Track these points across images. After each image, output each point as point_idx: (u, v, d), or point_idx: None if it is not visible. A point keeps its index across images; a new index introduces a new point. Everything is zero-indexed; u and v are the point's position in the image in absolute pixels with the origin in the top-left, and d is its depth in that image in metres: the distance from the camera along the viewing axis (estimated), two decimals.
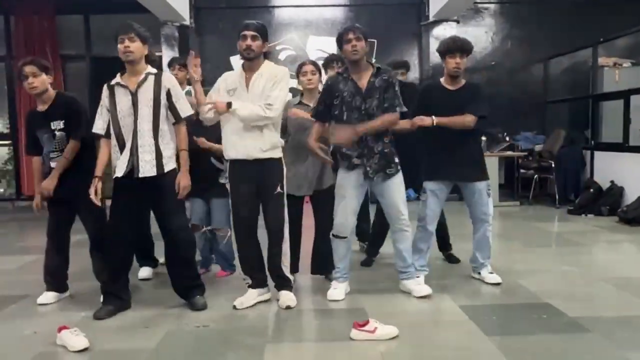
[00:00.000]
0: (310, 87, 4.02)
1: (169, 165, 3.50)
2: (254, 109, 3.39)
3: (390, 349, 2.92)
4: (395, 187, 3.70)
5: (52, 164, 3.65)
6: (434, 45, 8.88)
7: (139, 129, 3.41)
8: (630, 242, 5.54)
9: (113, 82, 3.50)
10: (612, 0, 7.43)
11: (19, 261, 5.05)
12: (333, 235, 3.80)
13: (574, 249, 5.22)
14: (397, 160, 3.68)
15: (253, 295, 3.64)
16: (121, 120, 3.43)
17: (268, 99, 3.42)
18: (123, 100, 3.43)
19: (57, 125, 3.64)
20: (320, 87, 4.04)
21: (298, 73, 4.06)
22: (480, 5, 9.12)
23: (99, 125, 3.53)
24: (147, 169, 3.40)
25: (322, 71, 4.21)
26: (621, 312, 3.42)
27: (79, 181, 3.53)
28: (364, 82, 3.64)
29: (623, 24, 8.02)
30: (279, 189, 3.56)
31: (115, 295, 3.53)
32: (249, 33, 3.46)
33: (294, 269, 4.00)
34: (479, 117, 3.87)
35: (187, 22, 8.73)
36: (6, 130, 9.40)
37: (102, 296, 3.56)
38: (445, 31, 8.78)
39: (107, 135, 3.50)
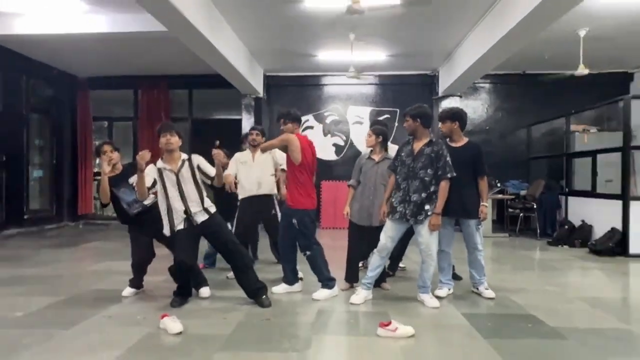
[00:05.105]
0: (368, 146, 4.12)
1: (212, 209, 3.61)
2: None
3: (407, 345, 2.83)
4: (425, 230, 3.54)
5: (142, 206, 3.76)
6: None
7: (187, 196, 3.49)
8: (599, 270, 5.23)
9: (159, 165, 3.52)
10: (581, 81, 7.26)
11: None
12: (375, 250, 3.75)
13: (554, 273, 4.97)
14: (427, 208, 3.51)
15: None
16: (169, 191, 3.49)
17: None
18: (169, 178, 3.49)
19: (134, 179, 3.69)
20: (379, 148, 4.08)
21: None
22: (477, 85, 9.06)
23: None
24: (199, 217, 3.53)
25: (383, 137, 4.11)
26: (593, 325, 3.21)
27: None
28: (417, 147, 3.60)
29: (590, 99, 7.84)
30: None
31: (182, 294, 3.65)
32: (254, 131, 4.53)
33: (355, 279, 4.10)
34: (484, 174, 3.87)
35: (261, 94, 9.00)
36: None
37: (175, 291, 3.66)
38: (450, 103, 8.74)
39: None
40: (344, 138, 9.30)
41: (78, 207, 9.47)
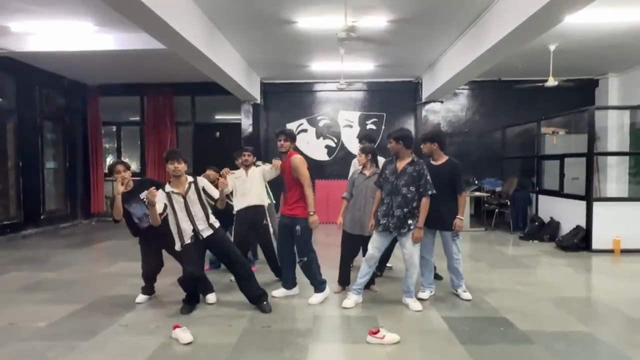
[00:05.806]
0: (360, 164, 4.15)
1: (216, 224, 3.64)
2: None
3: (394, 351, 2.91)
4: (409, 242, 3.61)
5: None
6: (428, 116, 8.88)
7: (194, 216, 3.52)
8: (565, 266, 5.33)
9: (167, 190, 3.53)
10: (551, 89, 7.30)
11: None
12: (364, 259, 3.81)
13: (524, 271, 5.05)
14: (410, 222, 3.57)
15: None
16: (178, 214, 3.52)
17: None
18: (178, 202, 3.52)
19: (144, 195, 3.67)
20: (369, 164, 4.10)
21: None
22: (457, 90, 9.08)
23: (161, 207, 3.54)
24: (205, 232, 3.57)
25: (372, 154, 4.14)
26: (558, 328, 3.29)
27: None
28: (400, 166, 3.64)
29: (560, 103, 7.91)
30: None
31: (190, 302, 3.70)
32: (246, 153, 4.46)
33: (347, 282, 4.16)
34: (462, 191, 3.87)
35: (259, 101, 8.94)
36: (138, 170, 9.68)
37: (184, 299, 3.70)
38: (433, 107, 8.79)
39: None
40: (335, 140, 9.32)
41: (91, 206, 9.44)
